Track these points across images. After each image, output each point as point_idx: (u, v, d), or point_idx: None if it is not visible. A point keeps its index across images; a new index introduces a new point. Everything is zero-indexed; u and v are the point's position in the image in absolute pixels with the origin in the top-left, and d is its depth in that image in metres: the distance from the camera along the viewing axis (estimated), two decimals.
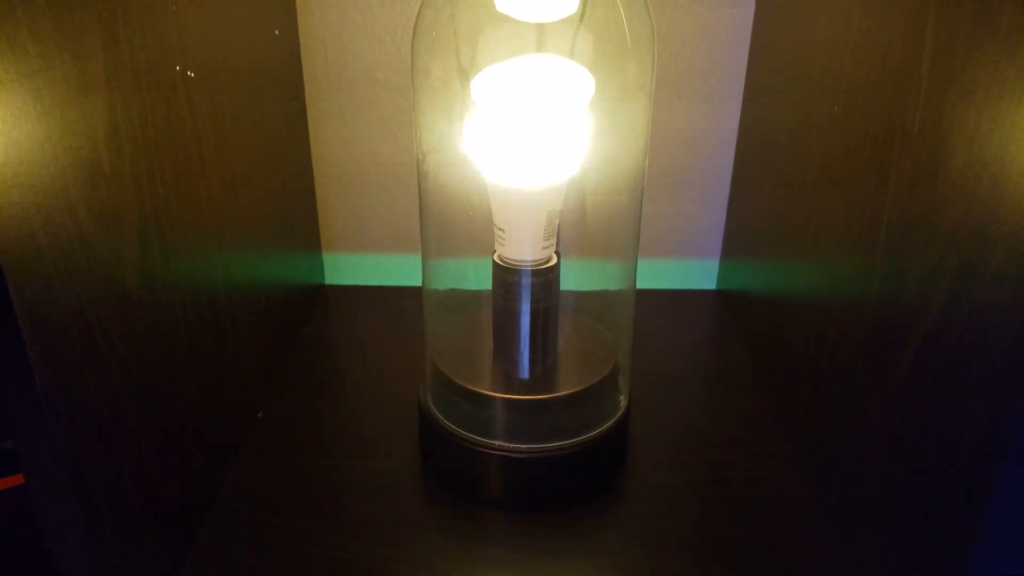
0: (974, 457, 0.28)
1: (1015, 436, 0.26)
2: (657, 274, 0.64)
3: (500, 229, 0.41)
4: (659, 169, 0.61)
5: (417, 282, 0.45)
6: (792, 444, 0.45)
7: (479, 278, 0.43)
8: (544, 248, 0.41)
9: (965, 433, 0.28)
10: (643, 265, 0.44)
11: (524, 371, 0.42)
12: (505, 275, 0.41)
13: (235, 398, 0.45)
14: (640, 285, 0.45)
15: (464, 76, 0.37)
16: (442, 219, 0.43)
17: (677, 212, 0.63)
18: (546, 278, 0.41)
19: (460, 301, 0.48)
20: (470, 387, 0.41)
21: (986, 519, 0.27)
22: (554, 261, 0.41)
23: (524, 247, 0.40)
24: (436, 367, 0.43)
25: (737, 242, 0.60)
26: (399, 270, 0.66)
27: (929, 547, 0.31)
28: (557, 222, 0.41)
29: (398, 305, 0.61)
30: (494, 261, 0.41)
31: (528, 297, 0.41)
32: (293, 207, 0.57)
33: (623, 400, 0.43)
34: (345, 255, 0.66)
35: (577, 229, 0.44)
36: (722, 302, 0.62)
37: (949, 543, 0.29)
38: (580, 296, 0.47)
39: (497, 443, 0.41)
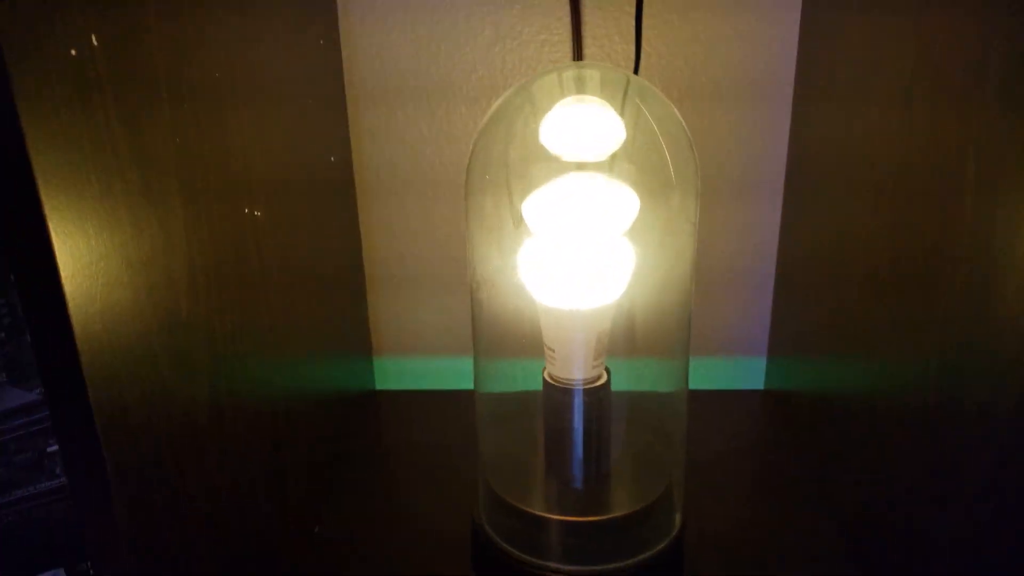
0: None
1: None
2: (703, 374, 0.65)
3: (550, 349, 0.42)
4: (703, 271, 0.62)
5: (467, 385, 0.46)
6: (846, 547, 0.44)
7: (527, 380, 0.44)
8: (594, 367, 0.41)
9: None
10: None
11: (577, 490, 0.42)
12: (556, 394, 0.42)
13: (292, 514, 0.46)
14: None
15: (517, 218, 0.39)
16: (494, 339, 0.45)
17: (722, 312, 0.64)
18: (596, 396, 0.42)
19: (512, 410, 0.48)
20: (523, 508, 0.41)
21: None
22: (604, 379, 0.42)
23: (574, 366, 0.41)
24: (489, 487, 0.43)
25: (783, 343, 0.61)
26: (450, 372, 0.67)
27: None
28: (607, 341, 0.42)
29: (449, 410, 0.62)
30: (544, 380, 0.42)
31: (579, 415, 0.41)
32: (345, 314, 0.59)
33: (678, 518, 0.43)
34: (395, 359, 0.67)
35: (626, 338, 0.45)
36: (770, 403, 0.62)
37: None
38: (632, 400, 0.47)
39: (552, 565, 0.40)
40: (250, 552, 0.38)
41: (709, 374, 0.65)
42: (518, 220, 0.39)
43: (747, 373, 0.65)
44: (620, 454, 0.45)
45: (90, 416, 0.25)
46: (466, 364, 0.66)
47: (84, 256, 0.25)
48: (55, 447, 0.41)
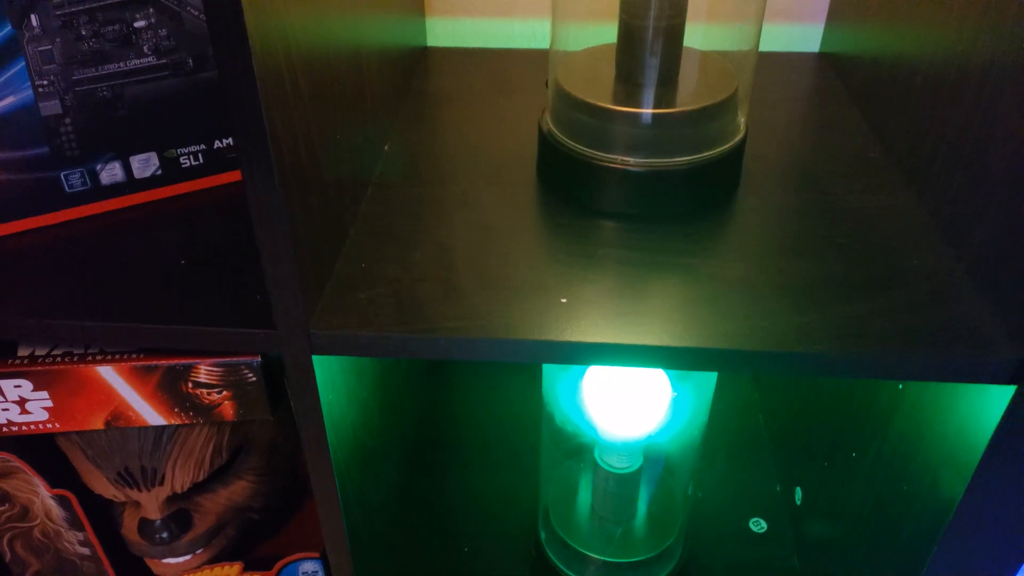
0: None
1: None
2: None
3: None
4: None
5: (522, 45, 0.46)
6: (904, 176, 0.47)
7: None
8: None
9: None
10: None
11: (647, 87, 0.44)
12: None
13: (371, 130, 0.48)
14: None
15: None
16: None
17: None
18: None
19: (587, 40, 0.48)
20: (592, 101, 0.43)
21: None
22: None
23: None
24: (559, 86, 0.44)
25: (843, 6, 0.59)
26: (500, 35, 0.66)
27: None
28: None
29: (506, 64, 0.63)
30: None
31: (655, 7, 0.41)
32: None
33: (742, 125, 0.45)
34: (444, 19, 0.67)
35: None
36: (826, 63, 0.62)
37: None
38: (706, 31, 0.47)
39: (618, 157, 0.43)
40: (340, 146, 0.41)
41: (765, 37, 0.64)
42: None
43: (804, 38, 0.64)
44: (692, 64, 0.46)
45: None
46: (513, 25, 0.65)
47: None
48: (142, 23, 0.42)
